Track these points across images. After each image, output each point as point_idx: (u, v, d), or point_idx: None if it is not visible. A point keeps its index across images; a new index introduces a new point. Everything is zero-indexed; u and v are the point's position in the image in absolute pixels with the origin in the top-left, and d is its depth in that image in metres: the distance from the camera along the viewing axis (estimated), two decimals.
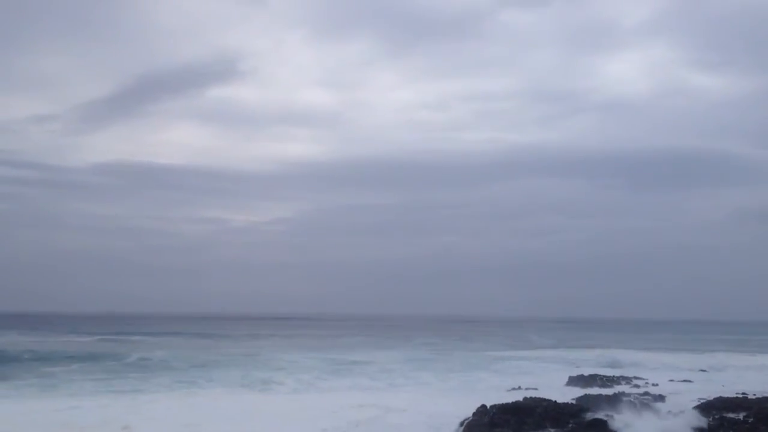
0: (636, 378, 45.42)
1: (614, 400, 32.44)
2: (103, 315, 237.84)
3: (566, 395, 34.97)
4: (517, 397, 31.77)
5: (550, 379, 44.29)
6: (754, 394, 33.36)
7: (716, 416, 25.60)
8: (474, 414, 25.79)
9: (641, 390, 38.58)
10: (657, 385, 41.62)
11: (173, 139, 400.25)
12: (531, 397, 31.00)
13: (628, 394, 35.83)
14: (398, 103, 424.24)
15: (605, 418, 25.69)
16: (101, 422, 26.54)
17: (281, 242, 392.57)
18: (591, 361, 61.47)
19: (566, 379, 42.95)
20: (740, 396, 32.38)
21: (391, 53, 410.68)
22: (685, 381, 45.24)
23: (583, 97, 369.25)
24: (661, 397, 35.20)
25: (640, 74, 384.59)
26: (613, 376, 45.00)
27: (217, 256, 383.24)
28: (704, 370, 54.09)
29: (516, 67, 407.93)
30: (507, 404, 27.08)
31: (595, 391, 37.23)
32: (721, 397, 32.39)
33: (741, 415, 25.70)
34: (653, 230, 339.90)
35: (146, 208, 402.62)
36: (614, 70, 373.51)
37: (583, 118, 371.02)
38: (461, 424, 24.93)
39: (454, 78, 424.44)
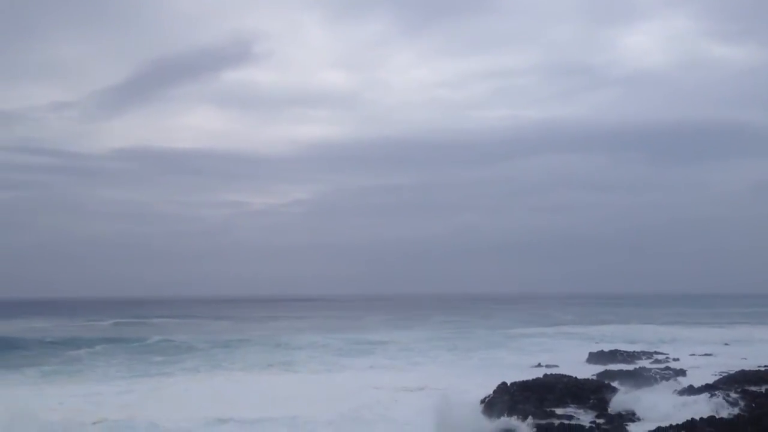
0: (657, 353, 45.33)
1: (635, 376, 32.48)
2: (124, 300, 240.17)
3: (587, 371, 35.00)
4: (538, 374, 31.85)
5: (570, 356, 44.30)
6: None
7: (738, 389, 25.53)
8: (495, 391, 25.89)
9: (662, 365, 38.55)
10: (678, 359, 41.54)
11: (191, 123, 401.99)
12: (551, 374, 31.07)
13: (649, 369, 35.81)
14: (415, 82, 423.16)
15: (625, 394, 25.71)
16: (127, 405, 26.91)
17: (299, 224, 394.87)
18: (611, 336, 61.36)
19: (586, 355, 42.94)
20: (763, 369, 32.24)
21: (407, 32, 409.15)
22: (706, 355, 45.11)
23: (603, 71, 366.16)
24: (682, 372, 35.16)
25: (659, 46, 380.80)
26: (634, 352, 44.92)
27: (236, 239, 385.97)
28: (726, 344, 53.85)
29: (534, 42, 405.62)
30: (527, 381, 27.17)
31: (615, 366, 37.25)
32: (743, 370, 32.31)
33: (764, 388, 25.64)
34: (673, 204, 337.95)
35: (165, 192, 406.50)
36: (633, 43, 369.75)
37: (603, 92, 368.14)
38: (482, 401, 25.03)
39: (471, 55, 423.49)
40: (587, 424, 21.12)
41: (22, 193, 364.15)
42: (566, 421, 21.32)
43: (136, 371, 39.18)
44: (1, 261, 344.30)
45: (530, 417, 21.81)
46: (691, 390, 26.25)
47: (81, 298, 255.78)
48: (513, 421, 21.39)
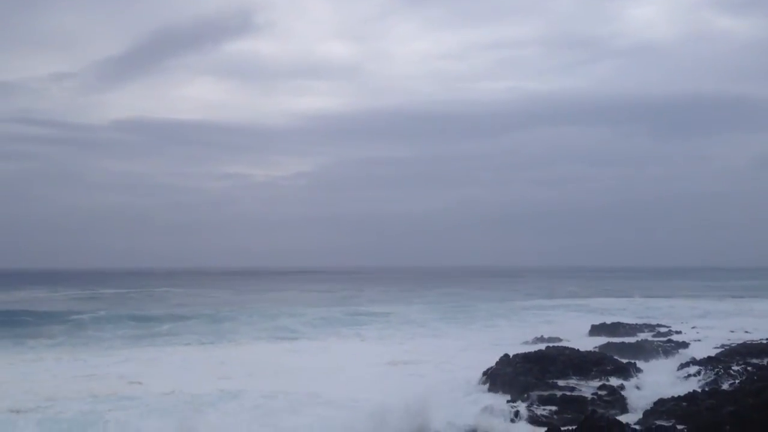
0: (659, 326, 45.45)
1: (637, 348, 32.60)
2: (125, 271, 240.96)
3: (589, 344, 35.12)
4: (540, 346, 31.96)
5: (572, 328, 44.39)
6: None
7: (740, 362, 25.60)
8: (497, 363, 25.96)
9: (664, 338, 38.65)
10: (680, 332, 41.67)
11: (191, 94, 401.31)
12: (554, 346, 31.14)
13: (651, 342, 35.92)
14: (417, 53, 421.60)
15: (628, 366, 25.81)
16: (124, 376, 27.11)
17: (301, 196, 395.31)
18: (613, 309, 61.55)
19: (589, 328, 43.06)
20: (764, 341, 32.29)
21: (409, 3, 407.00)
22: (708, 327, 45.21)
23: (606, 43, 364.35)
24: (684, 344, 35.26)
25: (663, 18, 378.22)
26: (636, 324, 45.06)
27: (238, 211, 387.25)
28: (728, 317, 53.91)
29: (537, 14, 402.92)
30: (530, 353, 27.23)
31: (617, 339, 37.35)
32: (744, 342, 32.41)
33: (765, 361, 25.69)
34: (675, 177, 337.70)
35: (167, 164, 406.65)
36: (638, 14, 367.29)
37: (606, 65, 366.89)
38: (484, 373, 25.12)
39: (473, 27, 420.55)
40: (589, 396, 21.19)
41: (22, 164, 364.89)
42: (568, 393, 21.40)
43: (139, 342, 39.37)
44: (2, 232, 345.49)
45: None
46: (692, 362, 26.34)
47: (82, 269, 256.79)
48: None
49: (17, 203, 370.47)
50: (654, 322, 47.39)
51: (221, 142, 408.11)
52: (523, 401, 20.92)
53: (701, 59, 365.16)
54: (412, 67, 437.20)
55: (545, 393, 21.39)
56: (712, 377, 23.59)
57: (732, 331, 41.88)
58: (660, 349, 33.28)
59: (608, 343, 34.55)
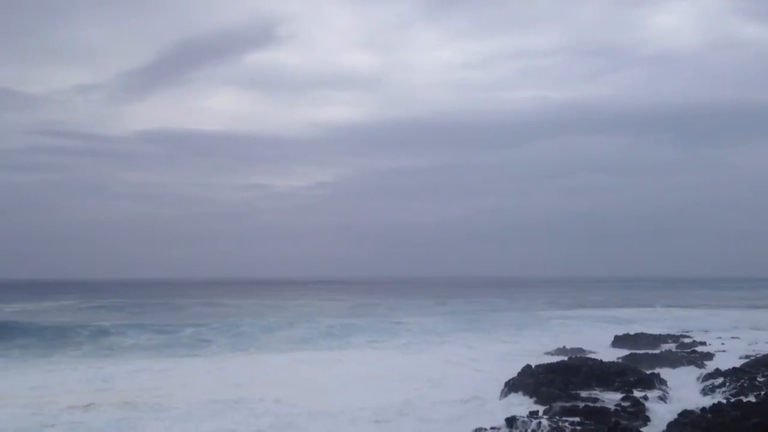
0: (683, 336, 45.02)
1: (661, 359, 32.33)
2: (147, 282, 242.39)
3: (612, 354, 34.92)
4: (563, 356, 31.80)
5: (595, 339, 44.12)
6: None
7: (765, 373, 25.29)
8: (519, 374, 25.85)
9: (688, 348, 38.27)
10: (704, 343, 41.24)
11: (214, 105, 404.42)
12: (576, 357, 31.00)
13: (675, 353, 35.61)
14: (440, 63, 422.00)
15: (651, 377, 25.58)
16: (139, 387, 27.30)
17: (322, 207, 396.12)
18: (637, 319, 60.99)
19: (612, 338, 42.74)
20: None
21: (431, 12, 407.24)
22: (733, 338, 44.71)
23: (630, 51, 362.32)
24: (708, 355, 34.91)
25: (687, 25, 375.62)
26: (660, 335, 44.65)
27: (260, 222, 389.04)
28: (753, 328, 53.31)
29: (561, 22, 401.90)
30: (552, 363, 27.10)
31: (641, 350, 37.05)
32: None
33: None
34: (700, 186, 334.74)
35: (188, 175, 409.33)
36: (661, 22, 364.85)
37: (629, 73, 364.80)
38: (506, 384, 25.02)
39: (496, 36, 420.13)
40: (612, 407, 21.03)
41: (47, 175, 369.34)
42: (591, 404, 21.24)
43: (160, 352, 39.59)
44: (27, 243, 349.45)
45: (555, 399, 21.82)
46: (717, 373, 26.07)
47: (105, 280, 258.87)
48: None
49: (41, 214, 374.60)
50: (678, 333, 46.95)
51: (243, 152, 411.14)
52: (545, 413, 20.80)
53: (725, 67, 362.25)
54: (434, 76, 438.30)
55: (568, 404, 21.25)
56: (737, 388, 23.32)
57: (757, 343, 41.37)
58: (684, 359, 32.98)
59: (631, 354, 34.29)
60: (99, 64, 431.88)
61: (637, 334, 43.52)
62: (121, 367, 33.03)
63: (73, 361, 35.93)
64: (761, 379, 24.10)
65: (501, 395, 24.53)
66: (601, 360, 27.97)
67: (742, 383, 23.80)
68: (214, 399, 24.20)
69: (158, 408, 22.87)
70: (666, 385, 25.09)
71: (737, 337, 45.09)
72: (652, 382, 24.93)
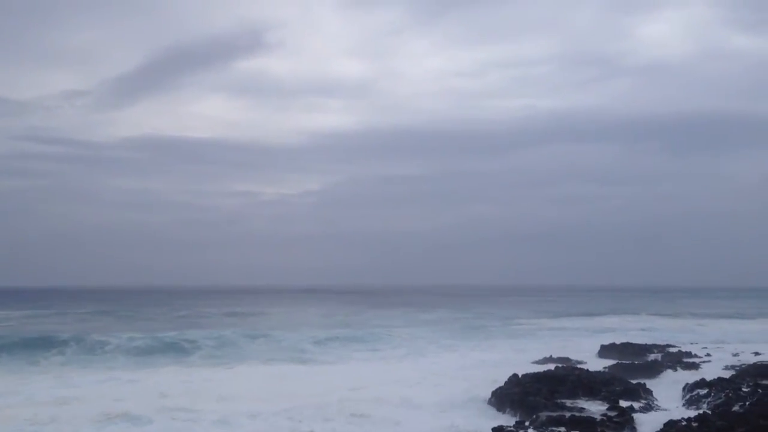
0: (669, 346, 45.12)
1: (647, 369, 32.41)
2: (134, 289, 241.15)
3: (598, 364, 34.98)
4: (549, 365, 31.80)
5: (582, 347, 44.20)
6: None
7: (751, 383, 25.39)
8: (506, 383, 25.86)
9: (675, 358, 38.37)
10: (691, 353, 41.34)
11: (203, 112, 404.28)
12: (563, 366, 31.04)
13: (661, 363, 35.70)
14: (430, 71, 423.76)
15: (637, 387, 25.64)
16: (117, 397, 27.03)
17: (310, 214, 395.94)
18: (624, 329, 61.16)
19: (598, 348, 42.81)
20: None
21: (422, 20, 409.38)
22: (719, 348, 44.85)
23: (619, 61, 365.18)
24: (694, 365, 35.03)
25: (677, 35, 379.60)
26: (646, 345, 44.73)
27: (248, 230, 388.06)
28: (739, 337, 53.53)
29: (552, 31, 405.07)
30: (539, 373, 27.13)
31: (627, 359, 37.13)
32: (755, 363, 32.15)
33: None
34: (688, 196, 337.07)
35: (177, 182, 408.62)
36: (651, 32, 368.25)
37: (619, 82, 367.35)
38: (493, 393, 25.01)
39: (487, 44, 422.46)
40: (598, 417, 21.05)
41: (34, 182, 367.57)
42: (577, 414, 21.25)
43: (137, 362, 38.99)
44: (14, 249, 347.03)
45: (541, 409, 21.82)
46: (703, 383, 26.14)
47: (92, 286, 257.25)
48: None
49: (29, 220, 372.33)
50: (664, 343, 47.08)
51: (232, 159, 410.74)
52: (531, 422, 20.80)
53: (714, 77, 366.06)
54: (425, 84, 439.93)
55: (554, 414, 21.26)
56: (723, 398, 23.39)
57: (743, 352, 41.54)
58: (670, 369, 33.08)
59: (618, 364, 34.37)
60: (87, 70, 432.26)
61: (623, 344, 43.60)
62: (93, 377, 32.60)
63: (44, 371, 35.33)
64: (746, 389, 24.19)
65: (488, 404, 24.52)
66: (587, 370, 28.03)
67: (728, 393, 23.87)
68: (179, 409, 23.89)
69: (127, 418, 22.52)
70: (652, 395, 25.16)
71: (723, 347, 45.24)
72: (638, 392, 24.99)
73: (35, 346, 43.84)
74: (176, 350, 44.16)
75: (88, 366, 37.42)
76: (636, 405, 23.06)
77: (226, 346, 46.42)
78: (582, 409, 22.09)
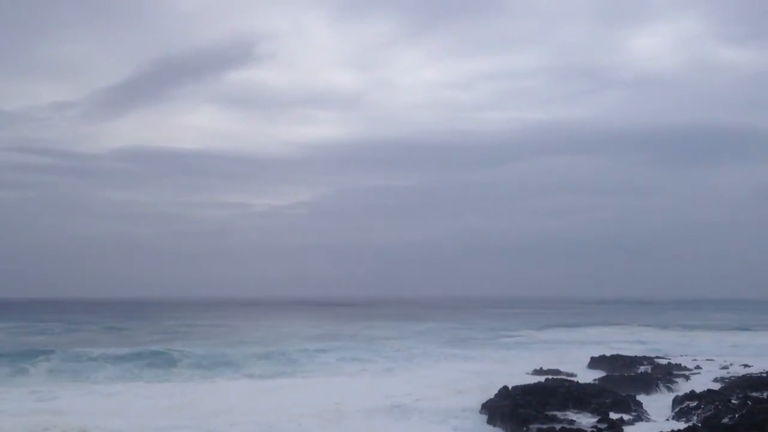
0: (659, 357, 45.20)
1: (637, 381, 32.42)
2: (124, 301, 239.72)
3: (588, 376, 34.96)
4: (540, 377, 31.79)
5: (572, 359, 44.21)
6: None
7: (740, 395, 25.44)
8: (496, 395, 25.83)
9: (665, 370, 38.41)
10: (681, 365, 41.41)
11: (193, 123, 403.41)
12: (553, 378, 31.02)
13: (651, 374, 35.72)
14: (422, 83, 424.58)
15: (627, 399, 25.64)
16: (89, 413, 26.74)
17: (302, 226, 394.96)
18: (613, 341, 61.27)
19: (588, 360, 42.83)
20: (765, 375, 32.12)
21: (414, 32, 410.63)
22: (709, 360, 44.94)
23: (610, 73, 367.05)
24: (684, 377, 35.09)
25: (667, 48, 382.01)
26: (636, 357, 44.77)
27: (239, 241, 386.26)
28: (729, 350, 53.67)
29: (542, 44, 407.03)
30: (529, 385, 27.12)
31: (617, 371, 37.14)
32: (745, 375, 32.23)
33: (765, 394, 25.52)
34: (678, 208, 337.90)
35: (167, 193, 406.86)
36: (641, 45, 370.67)
37: (609, 95, 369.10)
38: (484, 405, 24.97)
39: (478, 56, 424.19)
40: (588, 429, 21.03)
41: (24, 193, 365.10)
42: (567, 426, 21.23)
43: (122, 376, 38.46)
44: (3, 261, 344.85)
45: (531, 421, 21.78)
46: (692, 395, 26.18)
47: (82, 298, 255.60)
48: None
49: (19, 232, 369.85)
50: (654, 355, 47.14)
51: (222, 171, 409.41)
52: None
53: (704, 90, 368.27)
54: (416, 96, 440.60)
55: (544, 426, 21.24)
56: (712, 411, 23.42)
57: (733, 364, 41.64)
58: (660, 381, 33.09)
59: (608, 376, 34.37)
60: (77, 81, 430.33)
61: (613, 356, 43.65)
62: (75, 391, 32.15)
63: (21, 384, 34.86)
64: (736, 402, 24.22)
65: (479, 417, 24.47)
66: (577, 382, 28.05)
67: (717, 406, 23.90)
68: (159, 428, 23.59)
69: None
70: (641, 408, 25.16)
71: (713, 359, 45.33)
72: (628, 404, 25.00)
73: (19, 359, 43.31)
74: (161, 362, 43.71)
75: (70, 379, 37.00)
76: (626, 417, 23.07)
77: (213, 357, 45.98)
78: (572, 422, 22.08)
